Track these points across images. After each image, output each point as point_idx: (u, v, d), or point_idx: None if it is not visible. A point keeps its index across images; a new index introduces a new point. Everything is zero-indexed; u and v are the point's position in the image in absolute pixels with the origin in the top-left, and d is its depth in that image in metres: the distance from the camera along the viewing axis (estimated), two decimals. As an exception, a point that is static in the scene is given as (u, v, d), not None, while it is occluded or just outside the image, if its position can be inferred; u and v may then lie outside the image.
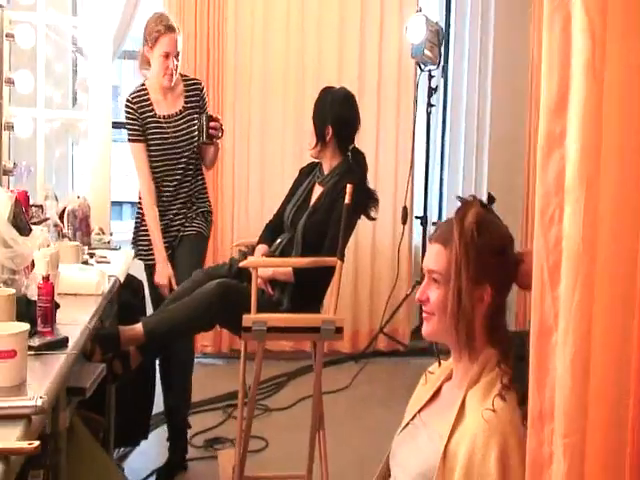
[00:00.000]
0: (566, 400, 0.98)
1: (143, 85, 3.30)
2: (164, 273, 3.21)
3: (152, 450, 3.46)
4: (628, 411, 0.96)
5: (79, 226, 3.00)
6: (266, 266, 2.79)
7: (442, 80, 4.90)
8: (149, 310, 3.25)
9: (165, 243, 3.25)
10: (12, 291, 1.77)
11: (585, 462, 0.99)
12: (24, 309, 1.85)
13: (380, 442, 3.71)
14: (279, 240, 2.95)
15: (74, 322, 2.02)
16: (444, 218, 5.33)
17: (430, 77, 4.49)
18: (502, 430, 1.41)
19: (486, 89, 5.03)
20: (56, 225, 2.92)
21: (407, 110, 4.69)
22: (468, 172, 5.18)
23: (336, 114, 2.87)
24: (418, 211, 4.87)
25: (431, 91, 4.48)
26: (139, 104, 3.24)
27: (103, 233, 3.37)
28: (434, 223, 5.01)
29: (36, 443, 1.22)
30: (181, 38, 3.22)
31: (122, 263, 2.88)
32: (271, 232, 3.02)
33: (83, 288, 2.29)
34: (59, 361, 1.72)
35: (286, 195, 3.09)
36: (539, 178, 1.00)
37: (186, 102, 3.27)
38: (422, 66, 4.49)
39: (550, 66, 0.97)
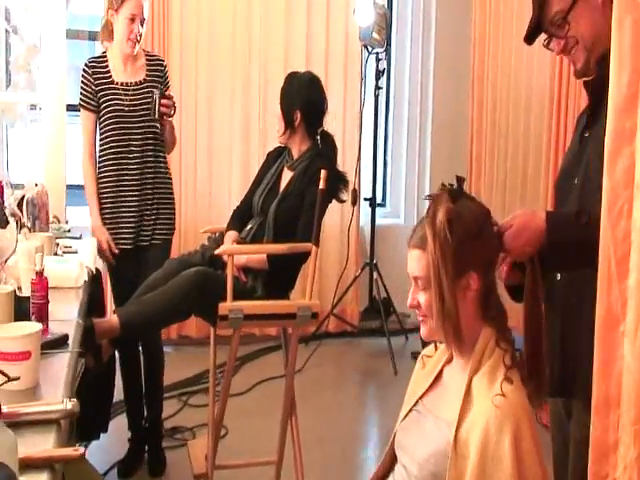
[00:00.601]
0: (637, 388, 1.03)
1: (104, 52, 3.20)
2: (102, 239, 3.13)
3: (111, 443, 3.39)
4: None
5: (38, 215, 2.87)
6: (242, 253, 2.76)
7: (385, 62, 4.93)
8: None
9: (130, 237, 3.16)
10: (10, 288, 1.68)
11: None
12: (16, 306, 1.77)
13: (336, 423, 3.81)
14: (249, 226, 2.92)
15: (63, 318, 1.95)
16: (388, 199, 5.40)
17: (378, 60, 4.52)
18: (514, 414, 1.46)
19: (429, 72, 5.10)
20: (14, 214, 2.79)
21: (354, 93, 4.71)
22: (411, 155, 5.25)
23: (304, 98, 2.85)
24: (366, 192, 4.90)
25: (379, 74, 4.52)
26: (95, 69, 3.14)
27: (59, 221, 3.24)
28: (379, 204, 5.08)
29: (82, 449, 1.18)
30: (147, 4, 3.12)
31: (89, 252, 2.78)
32: (240, 218, 2.99)
33: (63, 281, 2.21)
34: (64, 360, 1.66)
35: (253, 180, 3.06)
36: (607, 173, 1.04)
37: (148, 75, 3.17)
38: (370, 49, 4.50)
39: (620, 66, 1.00)
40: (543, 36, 1.77)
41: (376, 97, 4.62)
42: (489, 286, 1.56)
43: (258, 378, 4.22)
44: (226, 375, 2.84)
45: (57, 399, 1.43)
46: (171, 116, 3.09)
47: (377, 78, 4.54)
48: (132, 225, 3.16)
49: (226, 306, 2.65)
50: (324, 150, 2.90)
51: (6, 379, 1.23)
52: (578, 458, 1.66)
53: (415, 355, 4.62)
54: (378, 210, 5.00)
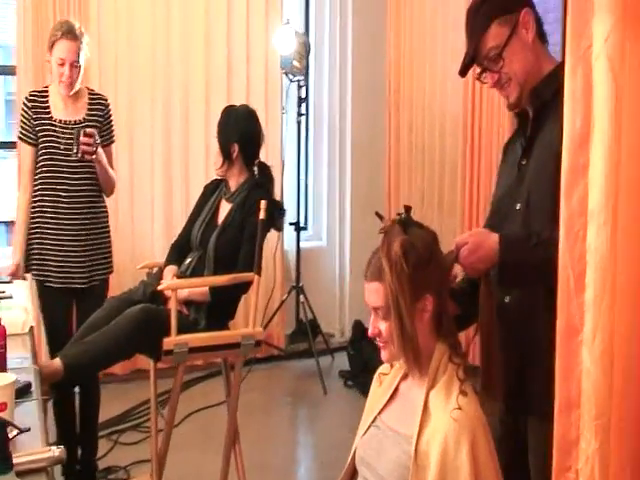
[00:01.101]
0: (595, 389, 1.19)
1: (47, 86, 3.21)
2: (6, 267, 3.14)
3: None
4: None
5: (-32, 262, 2.83)
6: (186, 287, 2.82)
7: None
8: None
9: (59, 276, 3.16)
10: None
11: (611, 440, 1.20)
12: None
13: (271, 447, 3.88)
14: (189, 260, 2.98)
15: (16, 365, 1.95)
16: (310, 223, 5.55)
17: (299, 87, 4.68)
18: (470, 425, 1.60)
19: (346, 99, 5.31)
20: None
21: (275, 120, 4.83)
22: (332, 178, 5.43)
23: (241, 131, 2.96)
24: (289, 217, 5.03)
25: (300, 101, 4.68)
26: (34, 102, 3.14)
27: (-20, 265, 3.19)
28: (302, 228, 5.21)
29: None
30: (85, 48, 3.11)
31: (25, 297, 2.74)
32: (178, 252, 3.05)
33: (10, 328, 2.18)
34: (29, 408, 1.67)
35: (190, 214, 3.13)
36: (564, 203, 1.20)
37: (88, 114, 3.18)
38: (291, 76, 4.66)
39: (573, 110, 1.17)
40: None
41: (298, 124, 4.77)
42: (442, 305, 1.70)
43: (187, 410, 4.21)
44: (170, 408, 2.89)
45: (35, 447, 1.46)
46: (92, 153, 3.04)
47: (299, 105, 4.70)
48: (61, 264, 3.15)
49: (171, 341, 2.71)
50: (261, 181, 3.02)
51: (18, 431, 1.27)
52: (538, 465, 1.81)
53: (342, 374, 4.78)
54: (301, 234, 5.13)
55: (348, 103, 5.29)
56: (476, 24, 1.85)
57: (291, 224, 4.99)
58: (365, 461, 1.78)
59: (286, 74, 4.71)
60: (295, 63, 4.46)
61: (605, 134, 1.13)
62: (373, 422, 1.81)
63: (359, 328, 4.77)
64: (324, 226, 5.51)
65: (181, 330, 2.72)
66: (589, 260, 1.19)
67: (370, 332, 1.72)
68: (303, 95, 4.77)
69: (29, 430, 1.39)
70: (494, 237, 1.74)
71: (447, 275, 1.75)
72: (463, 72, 1.92)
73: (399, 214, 1.77)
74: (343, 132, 5.34)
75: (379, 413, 1.81)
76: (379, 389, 1.87)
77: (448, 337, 1.71)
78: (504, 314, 1.84)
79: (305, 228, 5.45)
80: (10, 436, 1.33)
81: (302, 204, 5.28)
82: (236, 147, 2.94)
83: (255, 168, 3.03)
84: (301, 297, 4.96)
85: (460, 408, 1.61)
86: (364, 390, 4.39)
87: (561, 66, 1.71)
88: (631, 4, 1.12)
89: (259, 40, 4.80)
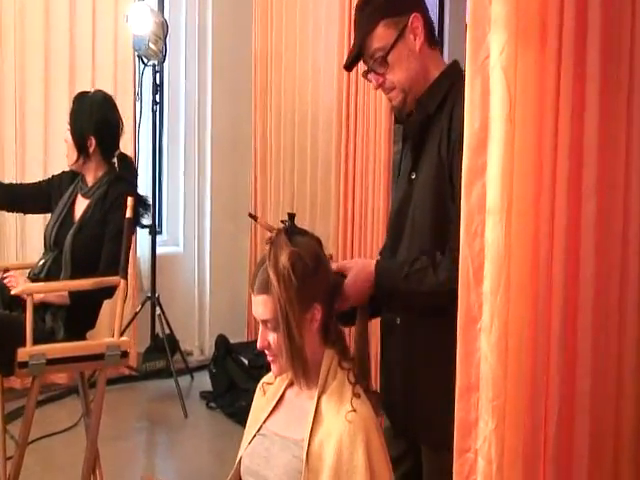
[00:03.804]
0: (492, 373, 1.50)
1: None
2: None
3: None
4: (539, 378, 1.51)
5: None
6: (45, 292, 2.92)
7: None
8: None
9: None
10: None
11: (506, 419, 1.51)
12: None
13: (127, 477, 3.96)
14: (42, 261, 3.08)
15: None
16: (165, 226, 5.68)
17: (155, 73, 4.81)
18: (364, 426, 1.88)
19: (206, 88, 5.49)
20: None
21: (127, 108, 4.88)
22: (189, 176, 5.59)
23: (97, 121, 3.08)
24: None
25: (156, 88, 4.81)
26: None
27: None
28: (157, 231, 5.33)
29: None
30: None
31: None
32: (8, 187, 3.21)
33: None
34: None
35: (43, 182, 3.24)
36: (463, 201, 1.50)
37: None
38: (145, 60, 4.77)
39: (472, 116, 1.47)
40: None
41: (154, 113, 4.89)
42: (330, 313, 1.97)
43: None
44: (23, 428, 2.96)
45: None
46: None
47: (154, 92, 4.82)
48: None
49: (26, 351, 2.79)
50: (123, 174, 3.15)
51: None
52: None
53: (204, 395, 4.93)
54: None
55: (208, 93, 5.46)
56: (362, 22, 2.05)
57: (144, 227, 5.09)
58: (252, 470, 2.01)
59: (140, 57, 4.81)
60: (151, 45, 4.58)
61: (500, 137, 1.44)
62: (258, 431, 2.04)
63: (222, 343, 4.94)
64: (181, 230, 5.65)
65: (37, 340, 2.81)
66: (487, 254, 1.49)
67: (259, 345, 1.94)
68: (159, 81, 4.90)
69: None
70: (371, 265, 2.03)
71: (334, 287, 1.99)
72: (348, 67, 2.14)
73: (283, 222, 2.02)
74: (202, 125, 5.50)
75: (264, 421, 2.05)
76: (263, 398, 2.11)
77: (336, 343, 1.98)
78: (393, 334, 2.15)
79: (160, 232, 5.56)
80: None
81: (156, 204, 5.39)
82: (93, 139, 3.06)
83: (115, 160, 3.15)
84: (157, 309, 5.06)
85: (355, 410, 1.88)
86: (229, 412, 4.62)
87: (445, 72, 2.04)
88: (522, 21, 1.44)
89: (108, 17, 4.88)
